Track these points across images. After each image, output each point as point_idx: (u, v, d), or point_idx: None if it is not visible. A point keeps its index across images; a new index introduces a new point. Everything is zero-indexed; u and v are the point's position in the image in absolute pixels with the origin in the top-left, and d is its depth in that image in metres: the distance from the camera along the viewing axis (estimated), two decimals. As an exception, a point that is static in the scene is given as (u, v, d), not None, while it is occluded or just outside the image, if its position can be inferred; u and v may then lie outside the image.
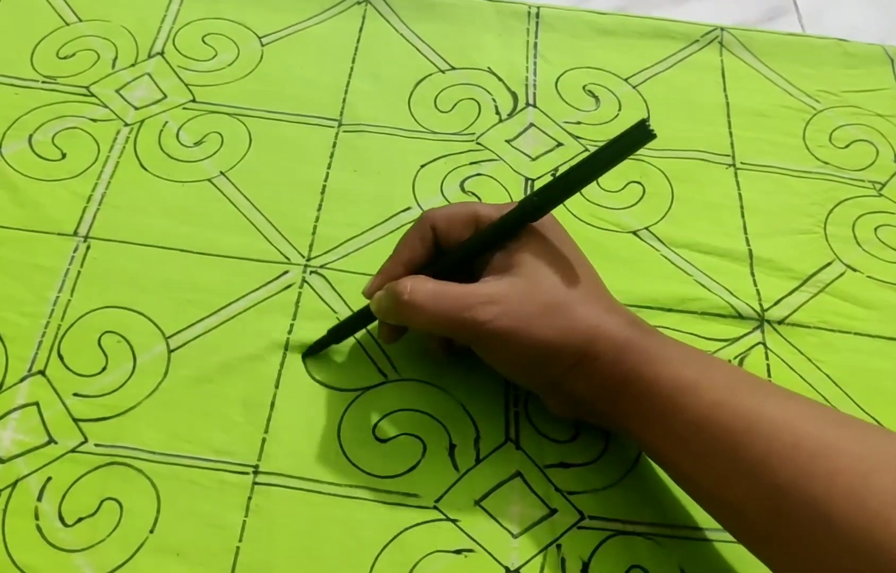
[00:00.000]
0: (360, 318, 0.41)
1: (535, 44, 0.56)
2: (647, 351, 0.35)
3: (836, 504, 0.29)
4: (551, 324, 0.36)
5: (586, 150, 0.51)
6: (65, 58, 0.52)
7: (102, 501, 0.37)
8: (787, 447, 0.31)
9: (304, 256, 0.45)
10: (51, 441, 0.38)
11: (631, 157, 0.35)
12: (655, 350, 0.36)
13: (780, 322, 0.45)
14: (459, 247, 0.38)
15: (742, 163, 0.51)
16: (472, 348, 0.38)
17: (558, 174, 0.37)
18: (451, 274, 0.38)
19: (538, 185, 0.49)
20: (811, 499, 0.30)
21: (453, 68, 0.54)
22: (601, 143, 0.51)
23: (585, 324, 0.36)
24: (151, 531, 0.37)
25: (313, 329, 0.42)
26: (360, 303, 0.41)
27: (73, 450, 0.38)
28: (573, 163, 0.49)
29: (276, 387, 0.41)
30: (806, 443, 0.31)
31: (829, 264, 0.47)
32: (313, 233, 0.46)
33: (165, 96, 0.51)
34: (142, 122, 0.50)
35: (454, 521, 0.38)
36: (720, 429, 0.33)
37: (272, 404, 0.40)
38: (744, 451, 0.32)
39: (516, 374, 0.39)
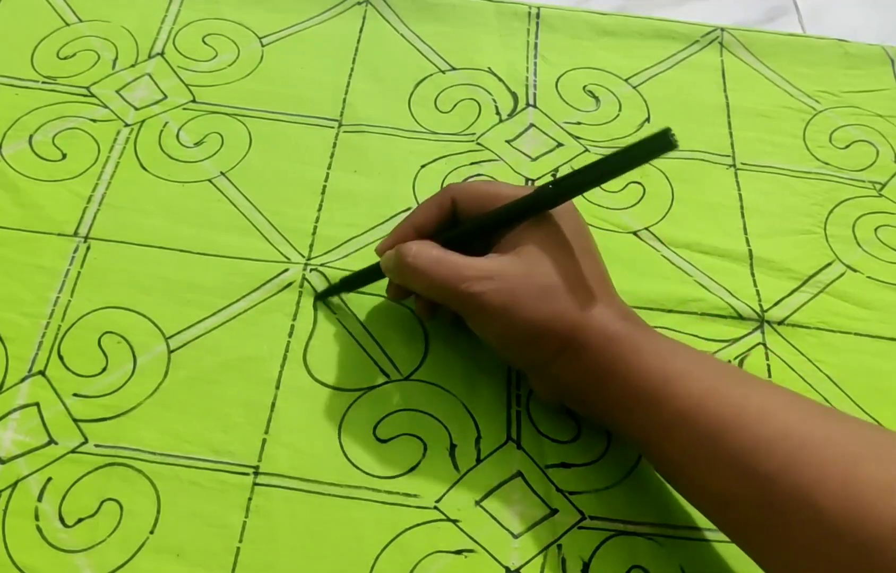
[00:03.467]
0: (370, 273, 0.42)
1: (536, 44, 0.56)
2: (635, 342, 0.36)
3: (825, 493, 0.29)
4: (540, 306, 0.36)
5: (586, 150, 0.51)
6: (65, 58, 0.52)
7: (102, 502, 0.37)
8: (774, 436, 0.31)
9: (304, 256, 0.45)
10: (51, 441, 0.38)
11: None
12: (644, 342, 0.36)
13: (781, 322, 0.45)
14: (471, 221, 0.39)
15: (742, 163, 0.51)
16: (464, 319, 0.38)
17: (577, 168, 0.37)
18: (464, 246, 0.38)
19: (538, 185, 0.49)
20: (799, 487, 0.30)
21: (453, 68, 0.54)
22: (602, 143, 0.52)
23: (574, 312, 0.36)
24: (152, 532, 0.37)
25: (313, 329, 0.42)
26: (359, 301, 0.41)
27: (73, 451, 0.38)
28: (575, 163, 0.50)
29: (277, 387, 0.41)
30: (793, 433, 0.31)
31: (829, 265, 0.47)
32: (313, 233, 0.46)
33: (166, 96, 0.51)
34: (142, 122, 0.50)
35: (455, 522, 0.37)
36: (707, 418, 0.33)
37: (272, 405, 0.40)
38: (731, 440, 0.32)
39: (504, 351, 0.39)
